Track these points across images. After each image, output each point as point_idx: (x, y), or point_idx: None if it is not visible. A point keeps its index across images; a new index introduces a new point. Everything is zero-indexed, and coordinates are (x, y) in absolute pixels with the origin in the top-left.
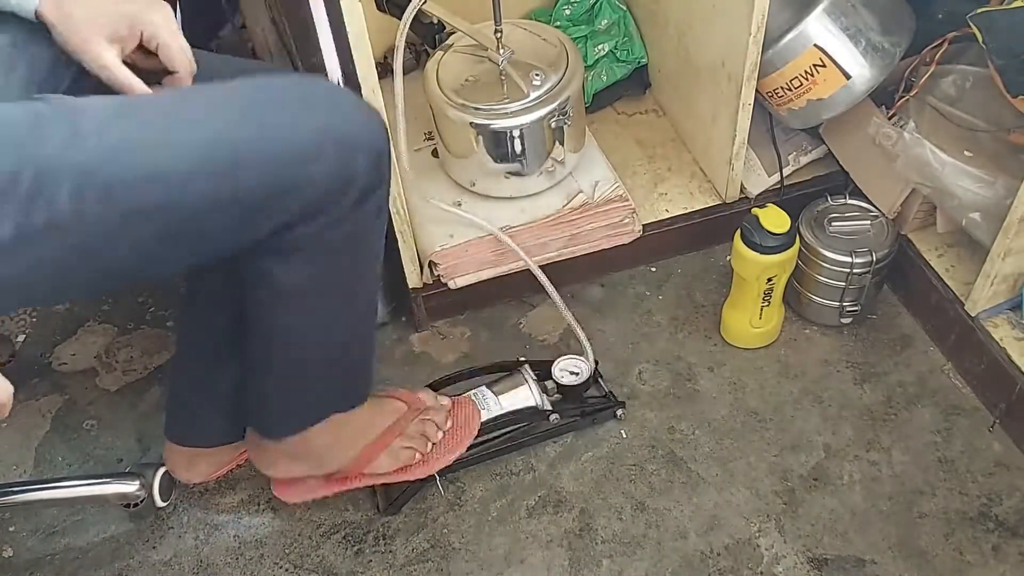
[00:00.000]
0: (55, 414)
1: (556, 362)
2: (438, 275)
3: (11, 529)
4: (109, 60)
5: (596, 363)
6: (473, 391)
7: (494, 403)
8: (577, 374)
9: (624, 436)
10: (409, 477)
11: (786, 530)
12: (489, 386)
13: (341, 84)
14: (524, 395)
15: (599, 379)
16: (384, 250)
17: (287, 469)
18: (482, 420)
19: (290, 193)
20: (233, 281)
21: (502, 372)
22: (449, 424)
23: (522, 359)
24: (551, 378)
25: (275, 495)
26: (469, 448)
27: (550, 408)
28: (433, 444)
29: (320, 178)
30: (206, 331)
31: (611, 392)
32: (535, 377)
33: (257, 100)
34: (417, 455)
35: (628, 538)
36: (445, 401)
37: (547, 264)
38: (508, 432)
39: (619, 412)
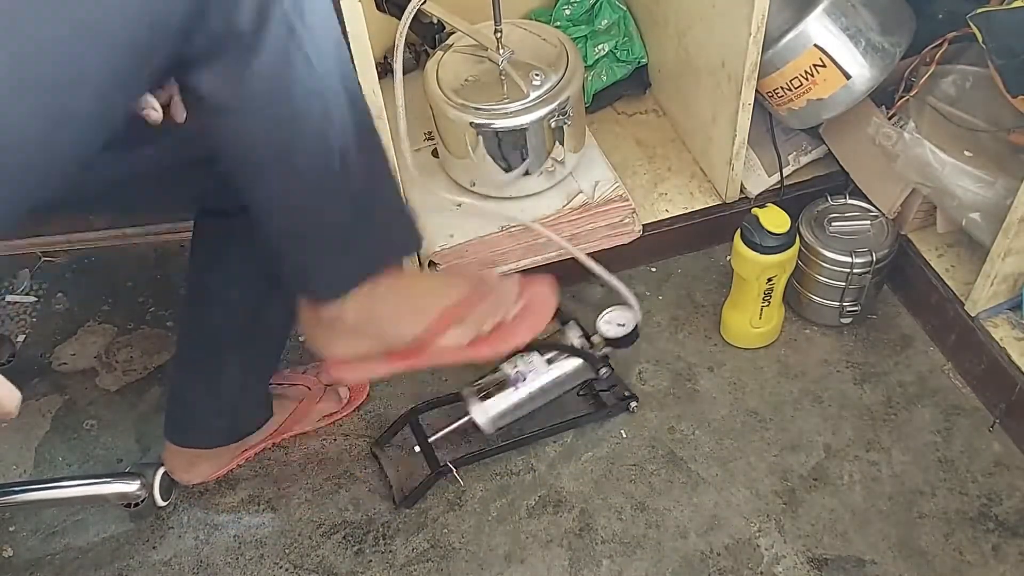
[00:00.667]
0: (55, 414)
1: (601, 315)
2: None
3: (11, 529)
4: None
5: (640, 318)
6: (518, 355)
7: (542, 365)
8: (623, 325)
9: (624, 436)
10: (483, 353)
11: (786, 530)
12: (538, 349)
13: None
14: (572, 357)
15: (613, 370)
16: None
17: (347, 346)
18: (532, 388)
19: (177, 26)
20: (234, 279)
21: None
22: (522, 303)
23: (568, 317)
24: (596, 332)
25: (331, 374)
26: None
27: (601, 362)
28: (505, 321)
29: (172, 22)
30: (206, 331)
31: (625, 383)
32: (582, 333)
33: None
34: (493, 324)
35: (628, 538)
36: (515, 279)
37: (547, 264)
38: (560, 396)
39: (632, 406)
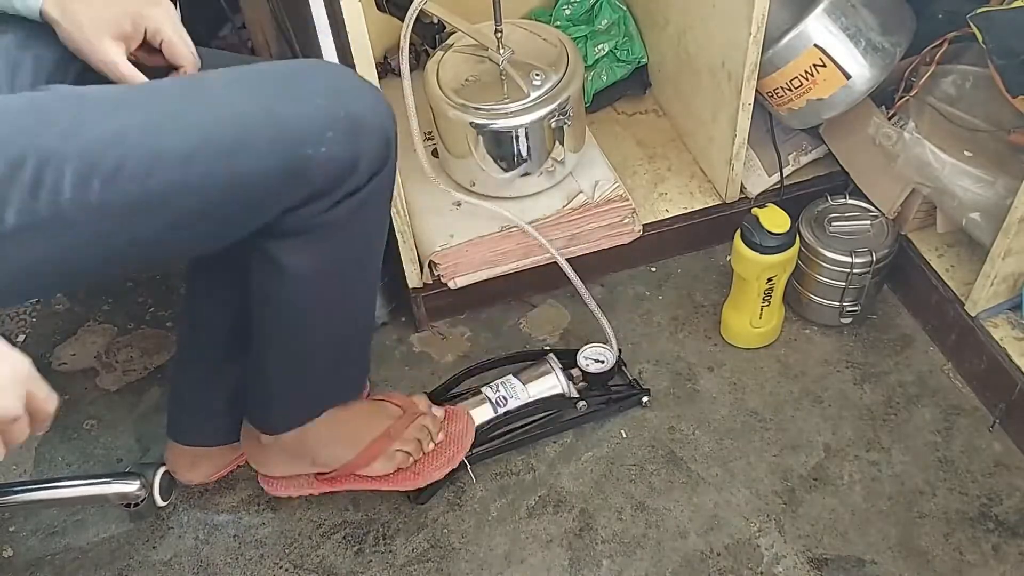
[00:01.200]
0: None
1: (581, 350)
2: (438, 275)
3: (11, 529)
4: (113, 57)
5: (620, 351)
6: (500, 380)
7: (521, 391)
8: (602, 362)
9: (624, 436)
10: (397, 487)
11: (786, 530)
12: (516, 374)
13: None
14: (551, 383)
15: (623, 367)
16: (385, 243)
17: (283, 467)
18: (509, 408)
19: (296, 174)
20: (234, 278)
21: (528, 361)
22: (441, 436)
23: (547, 348)
24: (576, 367)
25: (263, 487)
26: (497, 435)
27: (577, 395)
28: (424, 454)
29: (325, 160)
30: (207, 330)
31: (636, 380)
32: (561, 366)
33: (262, 82)
34: (410, 461)
35: (628, 538)
36: (439, 412)
37: (547, 264)
38: (539, 419)
39: (644, 399)
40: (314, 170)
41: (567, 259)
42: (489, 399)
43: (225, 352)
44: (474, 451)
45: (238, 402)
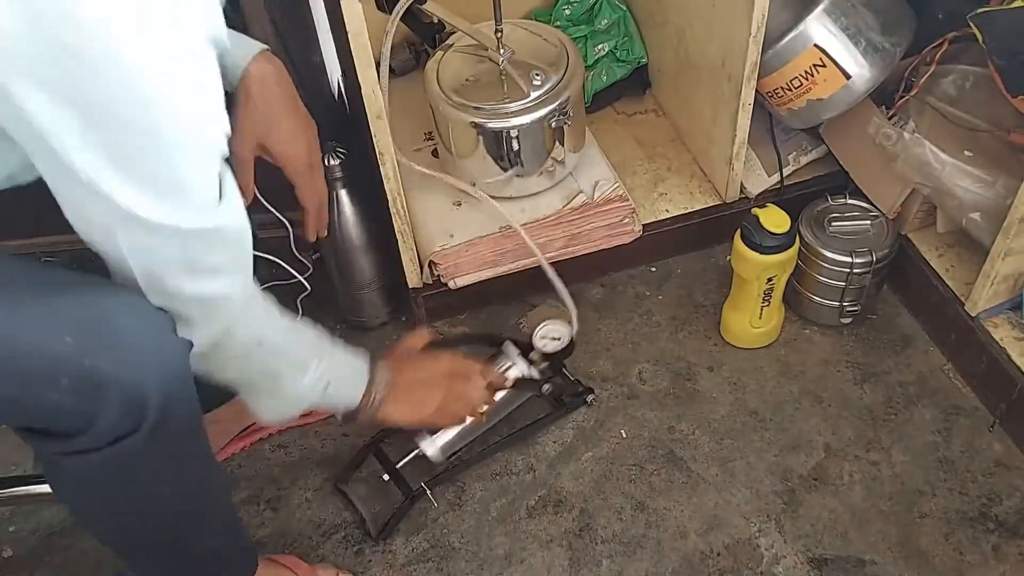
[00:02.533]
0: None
1: (536, 330)
2: (438, 275)
3: (11, 529)
4: (246, 157)
5: (576, 329)
6: None
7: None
8: (559, 339)
9: (624, 436)
10: None
11: (786, 530)
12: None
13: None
14: (513, 373)
15: (564, 370)
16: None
17: None
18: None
19: (18, 405)
20: None
21: (486, 351)
22: None
23: (503, 336)
24: (533, 349)
25: None
26: (468, 449)
27: (539, 377)
28: None
29: (51, 405)
30: None
31: (578, 380)
32: (519, 351)
33: (25, 305)
34: None
35: (628, 538)
36: None
37: (548, 264)
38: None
39: (589, 398)
40: (37, 410)
41: (567, 259)
42: None
43: None
44: (437, 475)
45: None
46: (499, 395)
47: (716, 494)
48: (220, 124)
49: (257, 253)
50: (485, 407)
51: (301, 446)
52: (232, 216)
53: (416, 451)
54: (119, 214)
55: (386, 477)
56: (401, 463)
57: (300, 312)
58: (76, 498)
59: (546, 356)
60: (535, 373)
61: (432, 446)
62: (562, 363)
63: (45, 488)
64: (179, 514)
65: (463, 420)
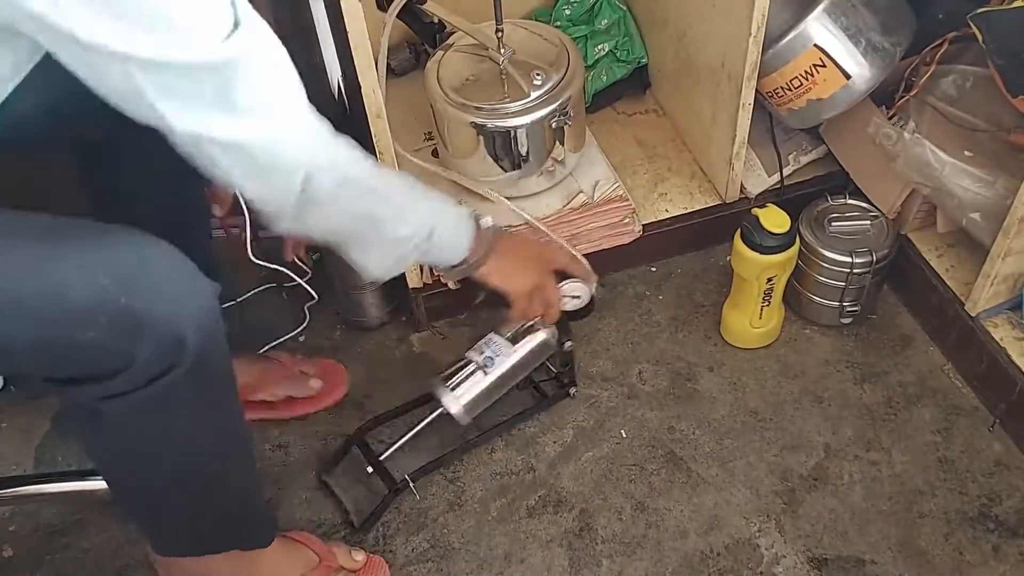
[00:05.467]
0: (55, 414)
1: (558, 287)
2: (438, 275)
3: (11, 529)
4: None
5: (596, 289)
6: (483, 339)
7: (506, 347)
8: (579, 297)
9: (624, 436)
10: None
11: (786, 530)
12: (497, 331)
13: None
14: (535, 333)
15: (547, 362)
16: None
17: (181, 574)
18: (500, 371)
19: (54, 352)
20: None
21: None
22: None
23: None
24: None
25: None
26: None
27: (559, 338)
28: None
29: (86, 348)
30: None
31: (560, 372)
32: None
33: (61, 248)
34: None
35: (628, 538)
36: (359, 557)
37: None
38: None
39: (572, 391)
40: (76, 354)
41: None
42: (476, 362)
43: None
44: (424, 465)
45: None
46: (522, 351)
47: (716, 494)
48: None
49: (258, 262)
50: (553, 315)
51: (301, 446)
52: (252, 43)
53: (439, 411)
54: (127, 65)
55: (370, 469)
56: (384, 455)
57: (307, 317)
58: (111, 447)
59: (566, 314)
60: (555, 332)
61: (456, 404)
62: (583, 316)
63: (45, 488)
64: (206, 466)
65: (536, 315)
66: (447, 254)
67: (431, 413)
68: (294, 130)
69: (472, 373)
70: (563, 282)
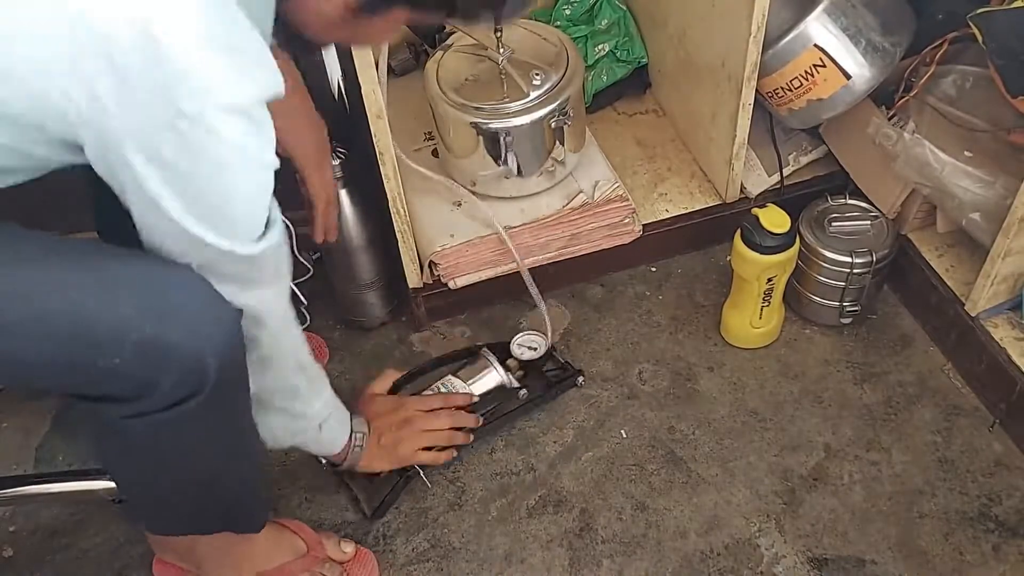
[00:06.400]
0: (55, 414)
1: (514, 339)
2: (438, 275)
3: (11, 529)
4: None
5: (552, 337)
6: (439, 381)
7: (463, 389)
8: (535, 348)
9: (624, 436)
10: None
11: (786, 530)
12: (455, 373)
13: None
14: (491, 377)
15: (554, 352)
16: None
17: (173, 557)
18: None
19: (82, 374)
20: None
21: (464, 359)
22: None
23: (479, 344)
24: (511, 356)
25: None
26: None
27: (517, 385)
28: None
29: (114, 372)
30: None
31: (568, 362)
32: (497, 358)
33: (87, 275)
34: None
35: (628, 538)
36: (348, 550)
37: (547, 264)
38: (483, 412)
39: (579, 380)
40: (101, 377)
41: (567, 259)
42: None
43: None
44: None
45: None
46: (478, 390)
47: (716, 494)
48: (272, 168)
49: None
50: (471, 426)
51: None
52: (274, 240)
53: None
54: (190, 239)
55: None
56: None
57: (308, 318)
58: (124, 457)
59: (522, 364)
60: (513, 380)
61: None
62: (541, 369)
63: (45, 488)
64: (215, 472)
65: (443, 453)
66: (328, 443)
67: None
68: (277, 303)
69: None
70: (519, 334)
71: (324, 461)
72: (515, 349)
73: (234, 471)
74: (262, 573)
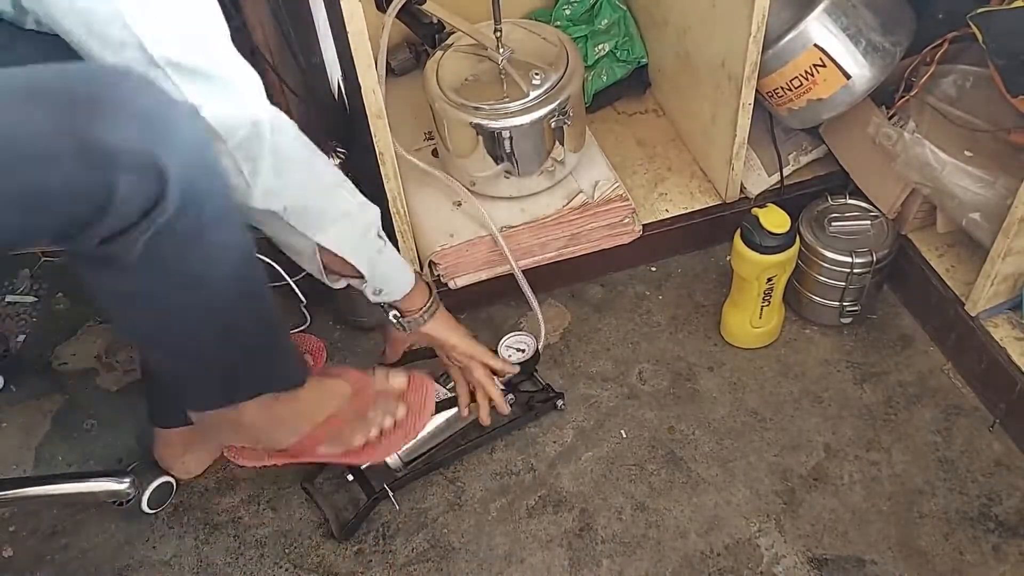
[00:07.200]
0: (55, 414)
1: (502, 340)
2: (438, 275)
3: (11, 529)
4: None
5: (541, 340)
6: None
7: (443, 393)
8: (524, 350)
9: (624, 436)
10: (355, 462)
11: (786, 530)
12: (439, 380)
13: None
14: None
15: (535, 373)
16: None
17: (229, 437)
18: (437, 422)
19: (29, 201)
20: None
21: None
22: (402, 412)
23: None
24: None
25: (226, 457)
26: (425, 454)
27: (503, 387)
28: (382, 430)
29: (58, 186)
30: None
31: (548, 384)
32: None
33: (22, 85)
34: (362, 441)
35: (628, 538)
36: (399, 381)
37: (547, 264)
38: (460, 432)
39: (559, 403)
40: (43, 195)
41: (567, 259)
42: None
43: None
44: (399, 478)
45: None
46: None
47: (716, 494)
48: None
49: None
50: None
51: None
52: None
53: None
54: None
55: (350, 477)
56: (365, 464)
57: (309, 319)
58: (125, 296)
59: (511, 366)
60: (499, 384)
61: (391, 455)
62: (531, 371)
63: (45, 489)
64: (224, 307)
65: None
66: (396, 272)
67: None
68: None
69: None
70: (507, 335)
71: (395, 319)
72: (503, 351)
73: (247, 310)
74: (316, 427)
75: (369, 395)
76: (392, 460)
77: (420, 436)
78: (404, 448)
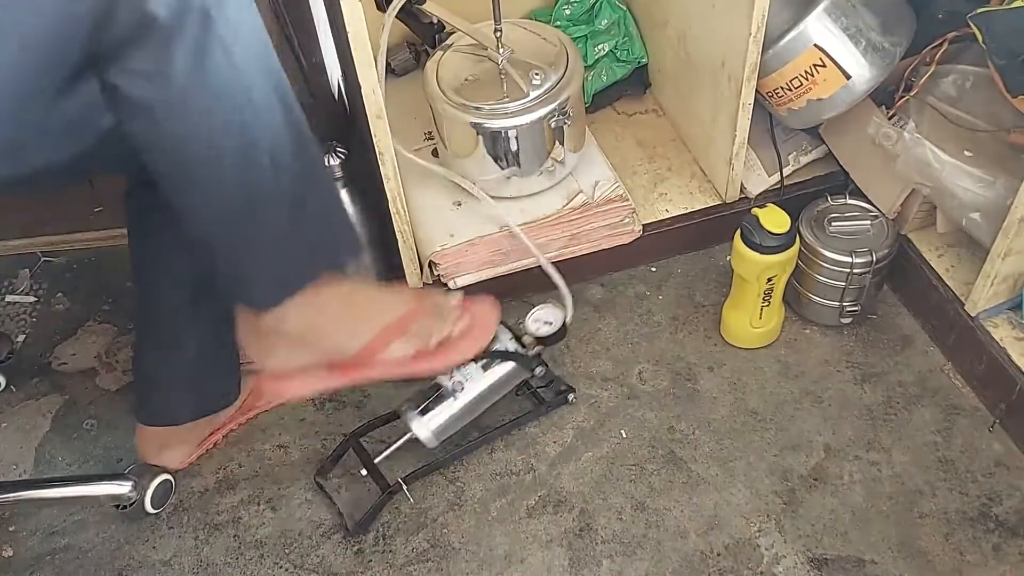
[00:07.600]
0: (55, 414)
1: (529, 313)
2: (438, 275)
3: (11, 529)
4: None
5: (570, 313)
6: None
7: (477, 372)
8: (551, 323)
9: (624, 436)
10: (427, 366)
11: (786, 530)
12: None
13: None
14: (506, 360)
15: (547, 366)
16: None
17: (287, 358)
18: (470, 396)
19: (52, 40)
20: (172, 248)
21: None
22: (466, 321)
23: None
24: (526, 333)
25: (273, 394)
26: (457, 433)
27: (531, 365)
28: (451, 337)
29: (83, 13)
30: (158, 303)
31: (559, 377)
32: (512, 335)
33: None
34: (434, 343)
35: (628, 538)
36: (457, 296)
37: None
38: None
39: (571, 397)
40: (70, 22)
41: (567, 259)
42: (446, 387)
43: (179, 323)
44: (414, 471)
45: (201, 375)
46: (492, 376)
47: (716, 494)
48: None
49: None
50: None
51: (301, 446)
52: None
53: (408, 435)
54: None
55: (364, 472)
56: (379, 458)
57: None
58: (165, 143)
59: (539, 340)
60: (529, 351)
61: (425, 429)
62: (559, 341)
63: (46, 493)
64: (279, 147)
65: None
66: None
67: (401, 437)
68: None
69: (442, 398)
70: (535, 308)
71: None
72: (530, 324)
73: (302, 156)
74: (386, 328)
75: (432, 301)
76: (425, 435)
77: (452, 414)
78: (438, 424)
